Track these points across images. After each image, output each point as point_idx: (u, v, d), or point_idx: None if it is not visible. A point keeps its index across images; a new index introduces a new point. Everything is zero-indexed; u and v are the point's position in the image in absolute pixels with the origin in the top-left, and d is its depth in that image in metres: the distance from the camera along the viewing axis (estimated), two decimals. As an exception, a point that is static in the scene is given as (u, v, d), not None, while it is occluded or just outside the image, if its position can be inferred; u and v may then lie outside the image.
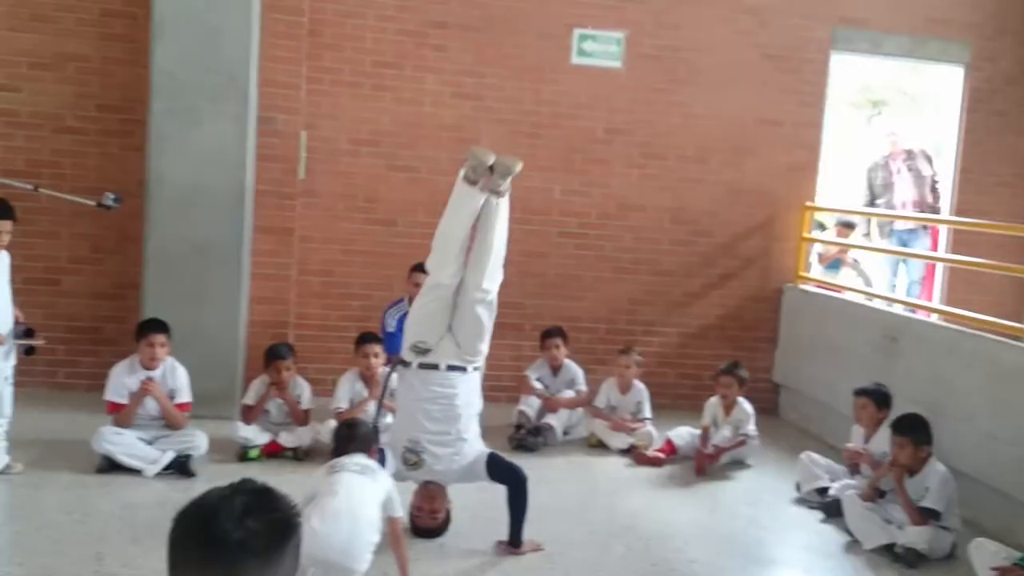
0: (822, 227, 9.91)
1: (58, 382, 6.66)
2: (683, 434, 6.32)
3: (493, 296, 4.66)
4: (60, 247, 6.67)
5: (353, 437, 4.16)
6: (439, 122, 7.16)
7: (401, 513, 4.10)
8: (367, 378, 5.87)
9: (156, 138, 6.11)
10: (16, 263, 5.66)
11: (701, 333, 7.70)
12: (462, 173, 4.54)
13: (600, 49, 7.36)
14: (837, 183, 10.19)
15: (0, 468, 4.99)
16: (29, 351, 4.98)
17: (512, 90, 7.25)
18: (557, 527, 4.86)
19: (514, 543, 4.48)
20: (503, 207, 4.58)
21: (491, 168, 4.45)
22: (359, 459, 4.04)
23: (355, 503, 3.78)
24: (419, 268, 6.35)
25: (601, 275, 7.53)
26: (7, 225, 4.75)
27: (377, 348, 5.89)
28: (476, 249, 4.54)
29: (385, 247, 7.11)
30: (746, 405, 6.30)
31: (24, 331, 4.90)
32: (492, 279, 4.62)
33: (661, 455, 6.15)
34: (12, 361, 4.92)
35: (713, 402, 6.36)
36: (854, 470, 5.46)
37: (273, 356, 5.75)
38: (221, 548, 1.45)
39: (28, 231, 6.38)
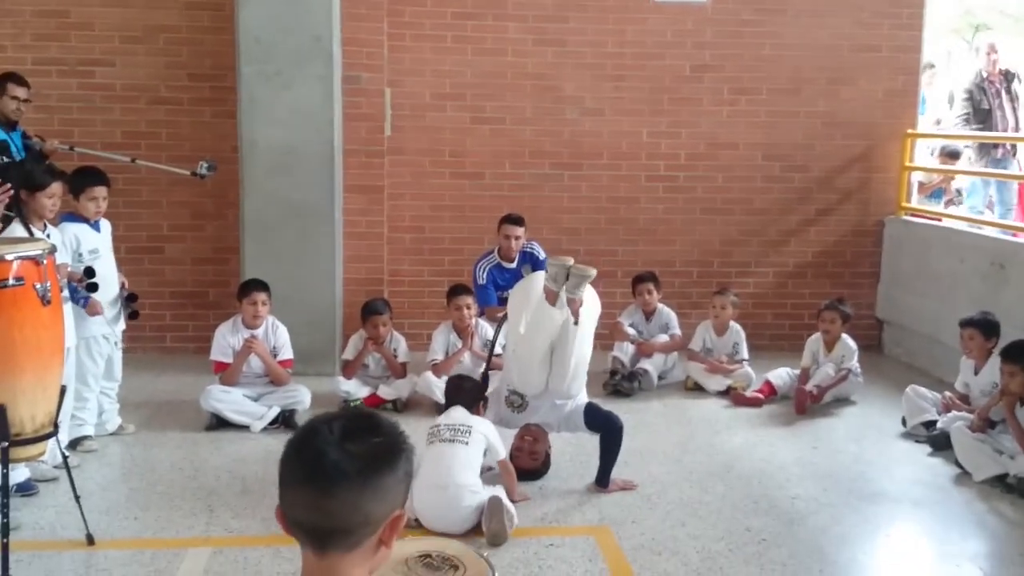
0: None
1: (166, 346, 6.95)
2: (782, 375, 6.20)
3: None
4: (161, 216, 6.91)
5: (460, 390, 4.53)
6: (522, 71, 7.10)
7: (503, 455, 4.38)
8: (460, 330, 5.93)
9: (246, 103, 6.24)
10: (121, 233, 5.93)
11: (799, 272, 7.50)
12: (537, 288, 4.58)
13: (683, -16, 7.15)
14: (938, 111, 9.70)
15: (113, 430, 5.24)
16: (133, 315, 5.19)
17: (595, 33, 7.12)
18: (655, 469, 4.87)
19: (601, 483, 4.55)
20: (583, 329, 4.54)
21: (568, 273, 4.50)
22: (457, 415, 4.33)
23: (446, 477, 4.09)
24: (508, 220, 6.41)
25: (692, 217, 7.39)
26: (103, 191, 4.93)
27: (469, 300, 5.94)
28: (554, 372, 4.56)
29: (473, 200, 7.12)
30: (849, 341, 6.13)
31: (128, 296, 5.10)
32: (576, 384, 4.65)
33: (760, 396, 6.06)
34: (121, 326, 5.14)
35: (815, 339, 6.22)
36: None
37: (369, 312, 5.86)
38: (316, 468, 1.46)
39: (130, 202, 6.67)
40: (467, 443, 4.21)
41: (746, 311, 6.97)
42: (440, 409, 5.39)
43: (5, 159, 5.58)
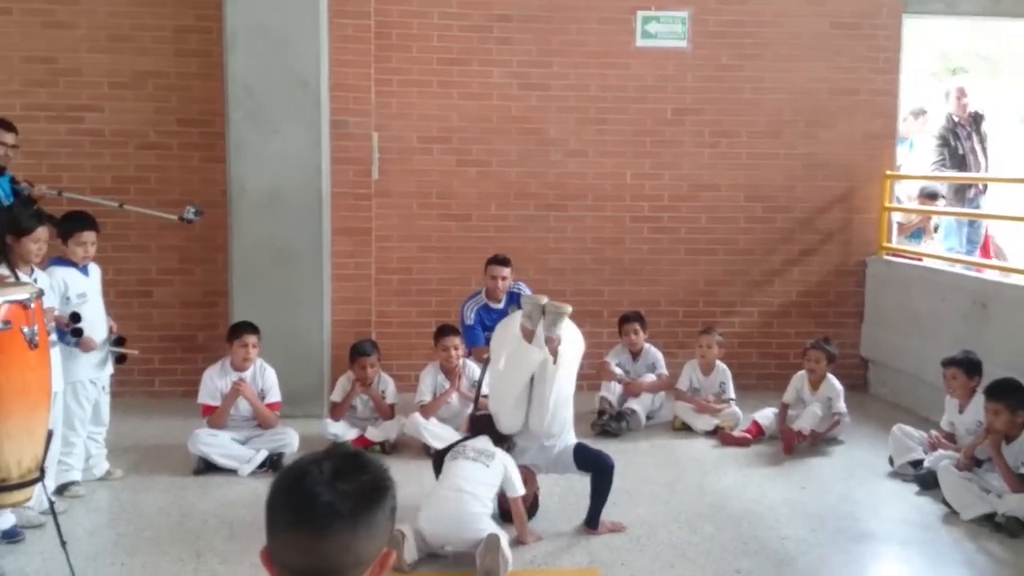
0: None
1: (154, 390, 6.92)
2: (768, 415, 6.23)
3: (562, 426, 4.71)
4: (150, 260, 6.92)
5: (489, 427, 4.61)
6: (507, 114, 7.20)
7: (519, 492, 4.43)
8: (448, 370, 5.95)
9: (235, 148, 6.29)
10: (110, 277, 5.93)
11: (784, 311, 7.57)
12: (518, 325, 4.62)
13: (664, 30, 7.29)
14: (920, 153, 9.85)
15: (100, 475, 5.21)
16: (120, 359, 5.18)
17: (577, 77, 7.24)
18: (644, 510, 4.87)
19: (591, 525, 4.54)
20: (563, 368, 4.56)
21: (543, 310, 4.57)
22: (480, 443, 4.48)
23: (460, 483, 4.26)
24: (495, 261, 6.47)
25: (677, 258, 7.47)
26: (91, 236, 4.95)
27: (456, 340, 5.97)
28: (533, 411, 4.58)
29: (460, 242, 7.18)
30: (834, 381, 6.17)
31: (116, 340, 5.10)
32: (557, 423, 4.64)
33: (748, 436, 6.08)
34: (108, 370, 5.13)
35: (800, 376, 6.26)
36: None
37: (357, 353, 5.88)
38: (309, 510, 1.47)
39: (119, 246, 6.69)
40: (488, 465, 4.35)
41: (732, 350, 7.02)
42: (428, 451, 5.45)
43: (-8, 205, 5.61)
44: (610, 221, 7.38)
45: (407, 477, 4.61)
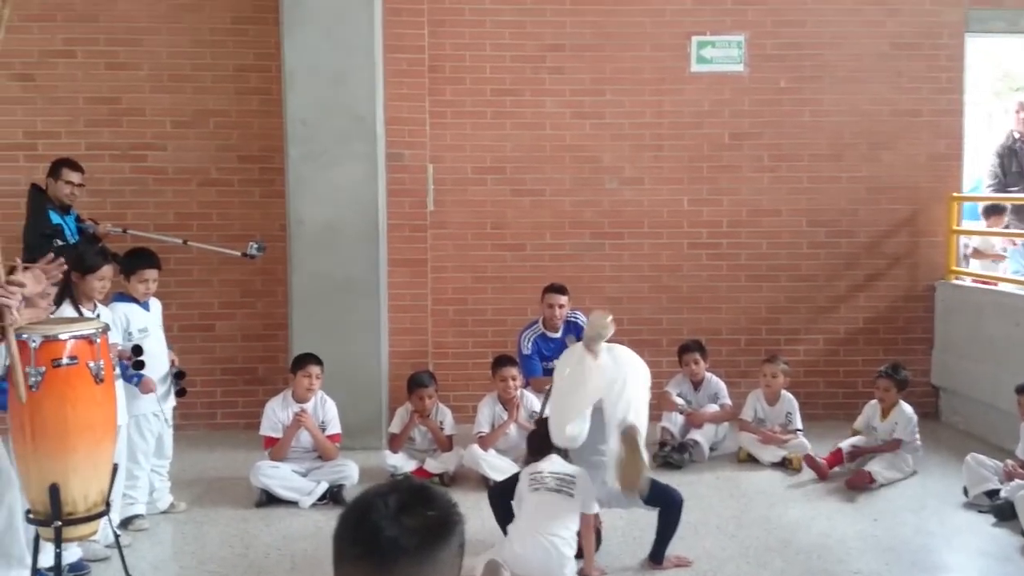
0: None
1: (217, 423, 6.99)
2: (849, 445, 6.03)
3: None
4: (212, 294, 7.02)
5: (547, 438, 4.39)
6: (561, 143, 7.19)
7: (595, 510, 4.34)
8: (506, 401, 5.90)
9: (294, 183, 6.37)
10: (173, 311, 6.05)
11: (850, 338, 7.39)
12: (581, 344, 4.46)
13: (720, 54, 7.23)
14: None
15: (164, 508, 5.25)
16: (181, 392, 5.24)
17: (632, 104, 7.20)
18: (710, 543, 4.75)
19: (656, 559, 4.43)
20: (634, 391, 4.30)
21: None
22: (556, 466, 4.30)
23: (550, 525, 4.14)
24: (552, 289, 6.43)
25: (737, 284, 7.34)
26: (152, 273, 5.03)
27: (514, 371, 5.92)
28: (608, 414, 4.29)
29: (515, 272, 7.16)
30: (906, 409, 5.96)
31: (176, 374, 5.16)
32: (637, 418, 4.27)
33: (827, 464, 5.86)
34: (171, 403, 5.18)
35: (872, 404, 6.09)
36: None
37: (415, 384, 5.86)
38: (374, 544, 1.46)
39: (183, 281, 6.80)
40: (573, 495, 4.21)
41: (797, 379, 6.86)
42: (487, 482, 5.39)
43: (59, 242, 5.74)
44: (667, 248, 7.29)
45: (466, 509, 4.49)
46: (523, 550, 4.12)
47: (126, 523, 4.90)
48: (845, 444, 5.89)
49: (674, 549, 4.51)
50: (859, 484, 5.60)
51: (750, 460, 6.22)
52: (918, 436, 5.95)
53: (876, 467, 5.70)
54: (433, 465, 5.73)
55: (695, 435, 6.28)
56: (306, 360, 5.57)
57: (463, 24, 7.05)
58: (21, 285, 3.37)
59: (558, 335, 6.41)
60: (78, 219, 6.10)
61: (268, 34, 6.71)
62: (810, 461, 5.90)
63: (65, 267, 3.98)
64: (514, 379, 5.88)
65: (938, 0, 7.26)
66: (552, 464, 4.32)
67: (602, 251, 7.25)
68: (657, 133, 7.25)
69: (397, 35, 6.70)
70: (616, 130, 7.23)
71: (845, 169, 7.31)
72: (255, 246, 6.09)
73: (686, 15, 7.18)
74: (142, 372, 4.78)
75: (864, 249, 7.36)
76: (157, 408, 5.02)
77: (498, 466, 5.58)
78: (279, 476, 5.36)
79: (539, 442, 4.47)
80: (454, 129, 7.11)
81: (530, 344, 6.40)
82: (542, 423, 4.62)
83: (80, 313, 4.49)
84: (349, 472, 5.44)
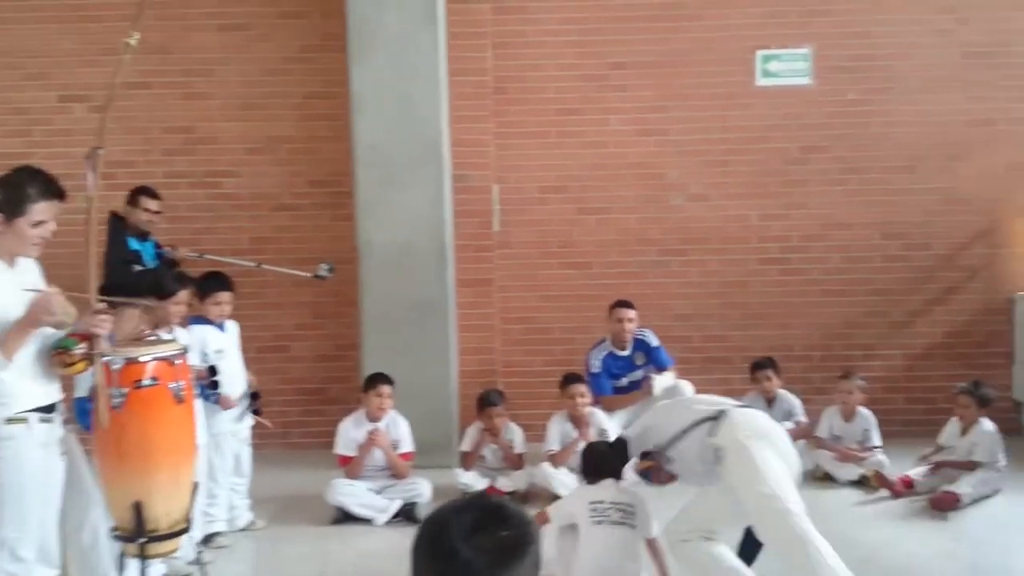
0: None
1: (292, 442, 7.10)
2: (921, 471, 5.88)
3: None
4: (286, 316, 7.16)
5: (605, 457, 4.20)
6: (625, 161, 7.18)
7: (655, 533, 4.13)
8: (575, 419, 5.89)
9: (363, 206, 6.48)
10: (250, 333, 6.16)
11: (928, 353, 7.20)
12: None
13: (786, 68, 7.16)
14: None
15: (243, 525, 5.36)
16: (256, 412, 5.35)
17: (697, 120, 7.16)
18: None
19: None
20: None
21: None
22: (616, 494, 4.07)
23: (616, 561, 3.97)
24: (620, 304, 6.42)
25: (810, 300, 7.23)
26: (226, 296, 5.17)
27: (582, 388, 5.92)
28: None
29: (582, 290, 7.15)
30: (987, 426, 5.80)
31: (252, 394, 5.28)
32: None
33: (902, 484, 5.74)
34: (247, 423, 5.29)
35: (952, 422, 5.93)
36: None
37: (485, 403, 5.90)
38: (450, 564, 1.49)
39: (258, 303, 6.94)
40: (635, 526, 4.04)
41: (874, 396, 6.70)
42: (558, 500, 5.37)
43: (138, 267, 5.92)
44: (736, 264, 7.22)
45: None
46: None
47: (207, 540, 5.00)
48: (916, 472, 5.75)
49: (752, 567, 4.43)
50: (944, 505, 5.44)
51: (826, 478, 6.09)
52: (1001, 455, 5.76)
53: (963, 488, 5.52)
54: (504, 483, 5.75)
55: (769, 453, 6.16)
56: (377, 380, 5.65)
57: (526, 45, 7.11)
58: (111, 314, 3.49)
59: (627, 353, 6.40)
60: (157, 245, 6.29)
61: (335, 61, 6.83)
62: (881, 479, 5.77)
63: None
64: (582, 396, 5.88)
65: (1010, 6, 7.10)
66: (611, 493, 4.09)
67: (669, 268, 7.21)
68: (723, 148, 7.20)
69: (461, 58, 6.79)
70: (681, 146, 7.19)
71: (919, 181, 7.16)
72: (325, 267, 6.22)
73: (751, 29, 7.13)
74: (219, 392, 4.90)
75: (940, 262, 7.18)
76: (234, 428, 5.14)
77: (569, 484, 5.56)
78: (354, 494, 5.44)
79: (596, 464, 4.21)
80: (519, 149, 7.16)
81: (599, 363, 6.38)
82: (600, 444, 4.49)
83: (158, 336, 4.62)
84: (422, 490, 5.49)
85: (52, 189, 3.37)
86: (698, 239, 7.21)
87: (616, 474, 4.18)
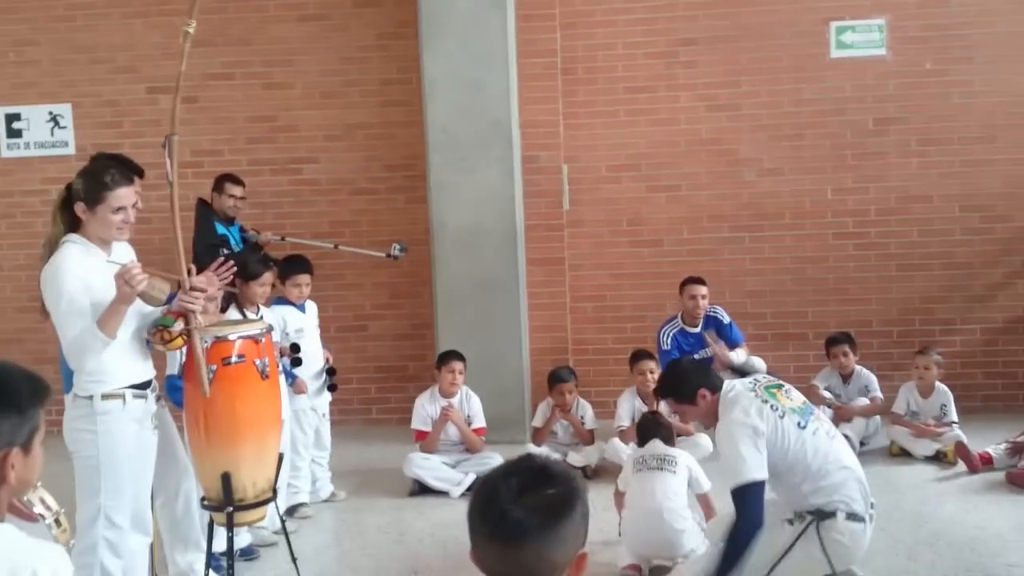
0: None
1: (372, 418, 7.35)
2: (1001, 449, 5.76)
3: None
4: (365, 296, 7.39)
5: (657, 426, 4.65)
6: (696, 137, 7.17)
7: (707, 488, 4.44)
8: (645, 395, 5.97)
9: (435, 188, 6.64)
10: (330, 313, 6.45)
11: (1009, 327, 7.04)
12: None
13: (861, 39, 7.04)
14: None
15: (326, 496, 5.61)
16: (331, 388, 5.58)
17: (769, 94, 7.10)
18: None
19: None
20: None
21: None
22: (658, 448, 4.47)
23: (654, 500, 4.27)
24: (691, 280, 6.45)
25: (887, 274, 7.12)
26: (305, 278, 5.40)
27: (651, 364, 6.00)
28: None
29: (653, 268, 7.19)
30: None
31: (328, 370, 5.51)
32: None
33: (980, 459, 5.66)
34: (326, 398, 5.53)
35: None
36: None
37: (556, 380, 6.03)
38: (501, 526, 1.59)
39: (338, 284, 7.20)
40: (675, 471, 4.36)
41: (953, 371, 6.61)
42: None
43: (225, 251, 6.19)
44: (811, 239, 7.16)
45: (609, 501, 4.70)
46: (636, 528, 4.29)
47: (291, 511, 5.26)
48: (995, 449, 5.65)
49: None
50: (1021, 481, 5.36)
51: (903, 454, 6.04)
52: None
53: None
54: (575, 458, 5.86)
55: (844, 429, 6.09)
56: (449, 357, 5.83)
57: (595, 25, 7.14)
58: (203, 291, 3.70)
59: (697, 330, 6.43)
60: (242, 229, 6.56)
61: (409, 48, 7.00)
62: (962, 451, 5.70)
63: (234, 269, 4.34)
64: (652, 372, 5.94)
65: (1094, -30, 6.85)
66: (654, 447, 4.50)
67: (742, 244, 7.19)
68: (797, 122, 7.13)
69: (530, 40, 6.87)
70: (753, 121, 7.15)
71: (999, 151, 6.97)
72: (398, 247, 6.41)
73: (824, 1, 7.03)
74: (295, 373, 5.14)
75: (1022, 234, 7.00)
76: (313, 403, 5.38)
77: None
78: (430, 467, 5.63)
79: (644, 431, 4.68)
80: (588, 129, 7.21)
81: (669, 339, 6.43)
82: (647, 416, 4.88)
83: (244, 316, 4.88)
84: (495, 464, 5.59)
85: (128, 174, 3.55)
86: (771, 214, 7.17)
87: (663, 437, 4.53)
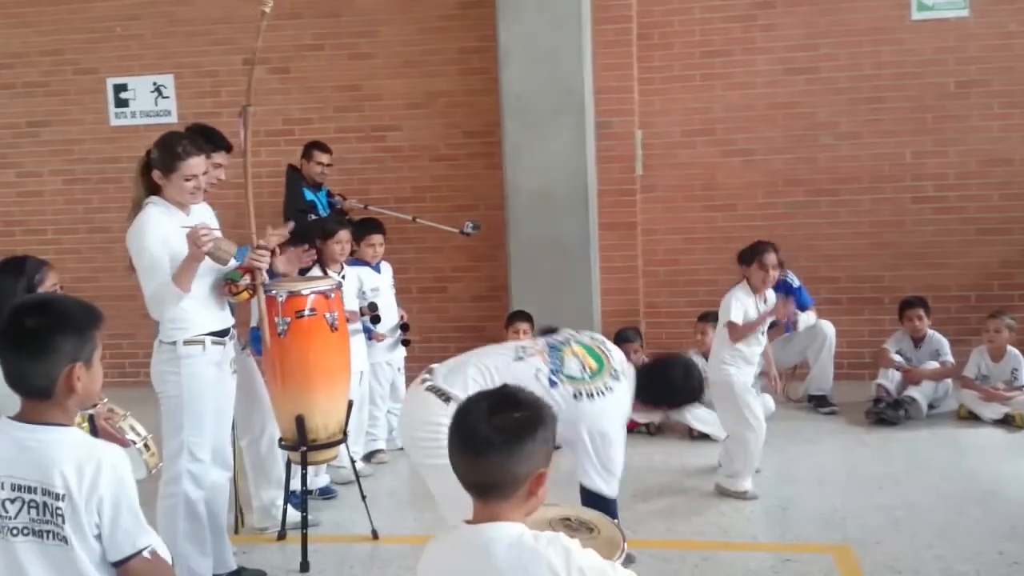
0: None
1: (451, 376, 7.66)
2: None
3: None
4: (444, 259, 7.69)
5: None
6: (773, 101, 7.17)
7: None
8: (706, 354, 6.08)
9: (510, 154, 6.86)
10: (411, 275, 6.81)
11: (1093, 292, 6.88)
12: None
13: (943, 0, 6.91)
14: None
15: (401, 445, 5.90)
16: (405, 343, 5.88)
17: (848, 57, 7.05)
18: (912, 494, 4.77)
19: None
20: None
21: None
22: None
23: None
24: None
25: (966, 239, 7.02)
26: (378, 239, 5.73)
27: (707, 327, 6.10)
28: None
29: (726, 232, 7.23)
30: None
31: (401, 326, 5.82)
32: None
33: None
34: (400, 353, 5.85)
35: None
36: None
37: (621, 340, 6.19)
38: (470, 440, 1.86)
39: (420, 247, 7.52)
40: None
41: (1032, 337, 6.52)
42: (691, 433, 5.74)
43: (312, 216, 6.57)
44: (889, 203, 7.10)
45: (671, 456, 4.92)
46: None
47: (369, 456, 5.63)
48: None
49: (874, 499, 4.68)
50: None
51: (971, 417, 6.02)
52: None
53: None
54: (640, 416, 6.02)
55: (912, 392, 6.16)
56: (516, 317, 6.08)
57: (671, -10, 7.21)
58: (269, 249, 4.04)
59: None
60: (328, 195, 6.92)
61: (487, 17, 7.17)
62: None
63: (314, 258, 4.68)
64: (704, 334, 6.07)
65: None
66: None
67: (818, 208, 7.18)
68: (876, 85, 7.05)
69: (605, 7, 6.97)
70: (831, 84, 7.10)
71: (1087, 113, 6.78)
72: (470, 225, 6.65)
73: (905, -39, 6.92)
74: (373, 328, 5.48)
75: (1107, 197, 6.80)
76: (388, 357, 5.73)
77: (703, 417, 5.82)
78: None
79: None
80: (663, 95, 7.30)
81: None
82: None
83: (326, 274, 5.23)
84: (559, 418, 5.88)
85: (199, 146, 3.87)
86: (848, 178, 7.14)
87: None
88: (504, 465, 1.84)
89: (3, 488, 2.06)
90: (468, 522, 1.90)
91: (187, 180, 3.76)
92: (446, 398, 3.42)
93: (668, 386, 3.90)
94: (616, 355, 3.75)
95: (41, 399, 2.08)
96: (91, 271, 7.76)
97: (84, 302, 2.16)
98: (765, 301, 5.01)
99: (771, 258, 4.94)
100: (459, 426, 1.90)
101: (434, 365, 3.68)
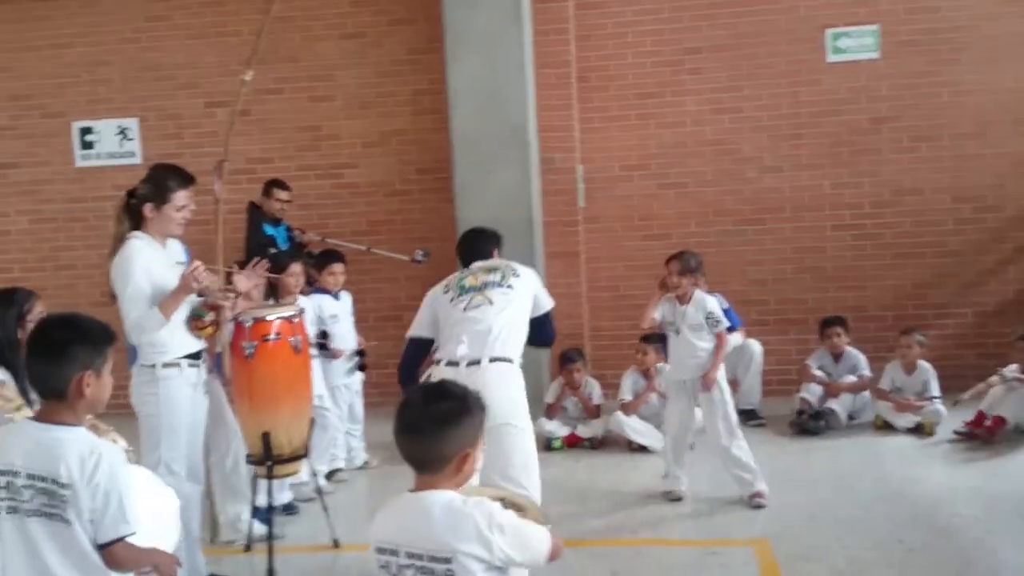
0: None
1: (407, 400, 8.04)
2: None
3: None
4: (399, 288, 8.08)
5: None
6: (702, 138, 7.74)
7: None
8: (645, 373, 6.57)
9: (460, 189, 7.33)
10: (369, 304, 7.16)
11: (1000, 311, 7.48)
12: None
13: (855, 44, 7.54)
14: None
15: (360, 463, 6.32)
16: (361, 368, 6.27)
17: (769, 97, 7.65)
18: (826, 494, 5.25)
19: None
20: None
21: None
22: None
23: None
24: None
25: (882, 263, 7.61)
26: (339, 267, 6.13)
27: (647, 347, 6.57)
28: None
29: (663, 259, 7.67)
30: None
31: (358, 352, 6.21)
32: None
33: (992, 426, 6.11)
34: (357, 377, 6.23)
35: (1012, 368, 6.31)
36: None
37: (565, 360, 6.67)
38: (406, 424, 2.30)
39: (376, 278, 7.91)
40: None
41: (947, 352, 7.11)
42: (630, 445, 6.19)
43: (272, 250, 6.94)
44: (810, 231, 7.68)
45: (612, 466, 5.35)
46: None
47: (330, 475, 5.99)
48: (1006, 414, 6.14)
49: (791, 500, 5.12)
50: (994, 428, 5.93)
51: (886, 427, 6.55)
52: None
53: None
54: (583, 430, 6.51)
55: (832, 404, 6.68)
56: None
57: (607, 37, 7.76)
58: (235, 291, 4.44)
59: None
60: (288, 229, 7.31)
61: (437, 62, 7.65)
62: (979, 422, 6.14)
63: (268, 267, 5.07)
64: (645, 354, 6.55)
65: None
66: None
67: (745, 237, 7.73)
68: (795, 123, 7.65)
69: (546, 52, 7.52)
70: (755, 122, 7.69)
71: (989, 146, 7.41)
72: (420, 253, 7.07)
73: (819, 9, 7.54)
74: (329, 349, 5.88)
75: (1012, 223, 7.43)
76: (346, 380, 6.10)
77: (640, 430, 6.29)
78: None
79: None
80: (602, 132, 7.83)
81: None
82: None
83: (278, 303, 5.59)
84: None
85: (187, 178, 4.27)
86: (773, 208, 7.71)
87: None
88: (435, 445, 2.27)
89: (21, 476, 2.45)
90: (410, 491, 2.33)
91: (178, 211, 4.14)
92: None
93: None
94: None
95: (55, 400, 2.48)
96: (58, 307, 7.88)
97: (102, 322, 2.57)
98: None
99: (671, 265, 5.70)
100: (400, 412, 2.33)
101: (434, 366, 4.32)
